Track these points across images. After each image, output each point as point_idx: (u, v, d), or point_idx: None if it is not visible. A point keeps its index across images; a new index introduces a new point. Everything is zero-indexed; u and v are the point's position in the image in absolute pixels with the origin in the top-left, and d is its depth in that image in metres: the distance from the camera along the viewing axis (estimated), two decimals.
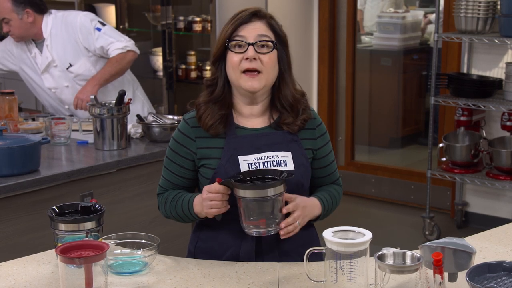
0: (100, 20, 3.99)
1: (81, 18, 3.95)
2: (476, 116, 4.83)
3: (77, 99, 3.84)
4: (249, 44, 2.13)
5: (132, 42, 3.98)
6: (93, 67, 3.95)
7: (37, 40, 3.98)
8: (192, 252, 2.29)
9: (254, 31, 2.14)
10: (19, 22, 3.86)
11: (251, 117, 2.23)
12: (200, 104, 2.22)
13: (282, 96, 2.21)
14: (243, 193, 2.01)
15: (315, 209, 2.21)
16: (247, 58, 2.13)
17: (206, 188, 2.09)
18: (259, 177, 2.07)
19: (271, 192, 2.01)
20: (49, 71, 3.99)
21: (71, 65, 3.95)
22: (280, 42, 2.19)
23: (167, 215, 2.28)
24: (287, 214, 2.10)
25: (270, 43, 2.15)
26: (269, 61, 2.15)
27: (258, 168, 2.15)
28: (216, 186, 2.05)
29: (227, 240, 2.21)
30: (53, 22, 3.94)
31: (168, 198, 2.24)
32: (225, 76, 2.20)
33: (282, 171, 2.07)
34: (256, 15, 2.17)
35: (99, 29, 3.91)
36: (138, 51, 3.98)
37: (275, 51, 2.17)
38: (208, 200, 2.08)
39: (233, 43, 2.15)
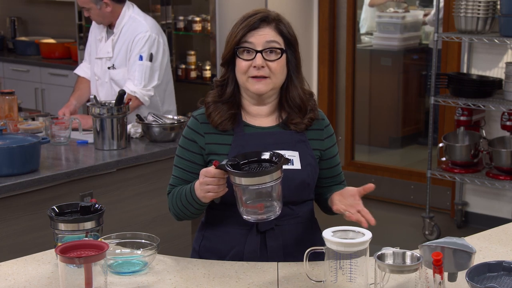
0: (154, 53, 3.85)
1: (144, 36, 3.84)
2: (476, 116, 4.83)
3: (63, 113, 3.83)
4: (257, 52, 2.15)
5: (148, 94, 3.83)
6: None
7: (111, 28, 3.96)
8: (196, 251, 2.30)
9: (262, 37, 2.16)
10: (97, 11, 3.86)
11: (259, 116, 2.26)
12: (209, 103, 2.24)
13: (290, 98, 2.23)
14: (239, 180, 1.95)
15: None
16: (255, 66, 2.15)
17: (202, 172, 2.06)
18: (255, 160, 2.01)
19: (268, 179, 1.93)
20: (101, 60, 3.97)
21: (113, 67, 3.92)
22: (289, 45, 2.21)
23: (176, 212, 2.25)
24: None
25: (278, 50, 2.17)
26: (277, 67, 2.17)
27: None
28: (211, 170, 2.02)
29: (232, 239, 2.21)
30: (127, 21, 3.91)
31: (174, 193, 2.24)
32: (235, 77, 2.22)
33: (278, 154, 2.00)
34: (264, 20, 2.17)
35: (140, 58, 3.83)
36: (145, 103, 3.85)
37: (283, 56, 2.18)
38: (205, 185, 2.05)
39: (242, 49, 2.17)
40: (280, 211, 2.01)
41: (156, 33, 3.91)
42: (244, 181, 1.94)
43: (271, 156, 2.01)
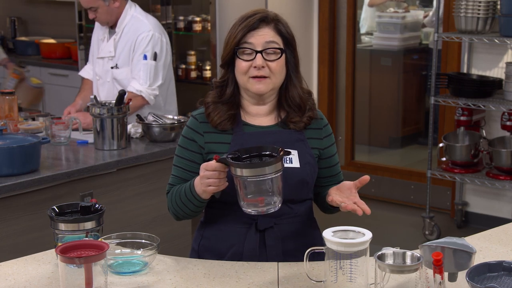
0: (158, 52, 3.84)
1: (148, 35, 3.83)
2: (476, 116, 4.83)
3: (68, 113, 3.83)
4: (257, 52, 2.16)
5: (154, 93, 3.82)
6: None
7: (113, 28, 3.95)
8: (196, 250, 2.30)
9: (262, 38, 2.17)
10: (106, 8, 3.84)
11: (259, 115, 2.26)
12: (208, 103, 2.25)
13: (289, 97, 2.24)
14: (240, 172, 1.97)
15: None
16: (255, 66, 2.16)
17: (203, 166, 2.08)
18: (256, 154, 2.03)
19: (268, 170, 1.95)
20: (103, 59, 3.96)
21: (116, 67, 3.91)
22: (287, 45, 2.22)
23: (175, 211, 2.25)
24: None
25: (278, 50, 2.18)
26: (277, 67, 2.18)
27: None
28: (212, 164, 2.04)
29: (231, 237, 2.22)
30: (130, 21, 3.90)
31: (173, 192, 2.25)
32: (234, 78, 2.23)
33: (279, 148, 2.03)
34: (263, 21, 2.18)
35: (145, 57, 3.82)
36: (151, 102, 3.83)
37: (283, 56, 2.19)
38: (206, 178, 2.07)
39: (241, 50, 2.18)
40: (280, 205, 2.02)
41: (159, 32, 3.91)
42: (245, 172, 1.96)
43: (272, 150, 2.03)
